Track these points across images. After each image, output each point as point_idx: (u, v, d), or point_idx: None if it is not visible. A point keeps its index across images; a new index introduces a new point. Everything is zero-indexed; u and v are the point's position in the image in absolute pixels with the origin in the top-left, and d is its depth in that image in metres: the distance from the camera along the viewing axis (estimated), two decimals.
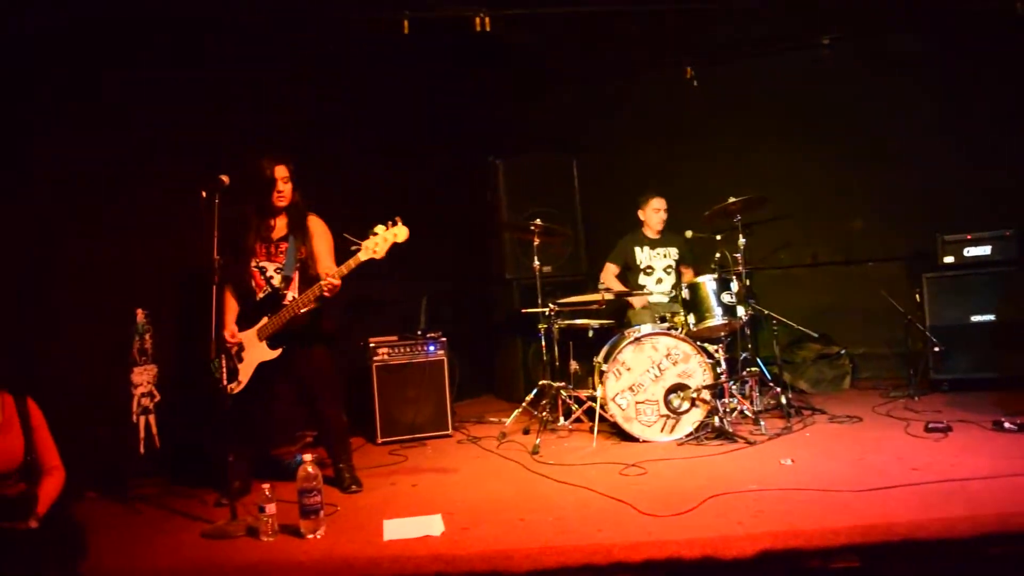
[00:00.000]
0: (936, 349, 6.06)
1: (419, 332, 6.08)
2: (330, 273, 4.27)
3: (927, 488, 3.75)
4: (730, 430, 5.05)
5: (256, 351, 4.51)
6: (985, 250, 6.19)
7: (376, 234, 4.16)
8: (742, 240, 5.71)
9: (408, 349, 5.95)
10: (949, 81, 6.74)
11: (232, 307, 4.67)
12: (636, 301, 6.20)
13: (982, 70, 6.58)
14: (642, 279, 6.37)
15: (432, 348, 5.96)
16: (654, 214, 6.37)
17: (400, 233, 4.20)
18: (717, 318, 5.39)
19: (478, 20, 6.70)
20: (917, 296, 6.30)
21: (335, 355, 4.84)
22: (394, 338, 5.97)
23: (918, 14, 6.76)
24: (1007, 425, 4.73)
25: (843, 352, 6.78)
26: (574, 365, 5.94)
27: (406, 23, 6.44)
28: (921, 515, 3.38)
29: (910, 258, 6.81)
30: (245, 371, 4.53)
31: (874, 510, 3.50)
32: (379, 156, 6.79)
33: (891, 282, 6.76)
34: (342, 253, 4.39)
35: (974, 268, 6.18)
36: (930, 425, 4.90)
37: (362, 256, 4.19)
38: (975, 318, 6.09)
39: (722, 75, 7.39)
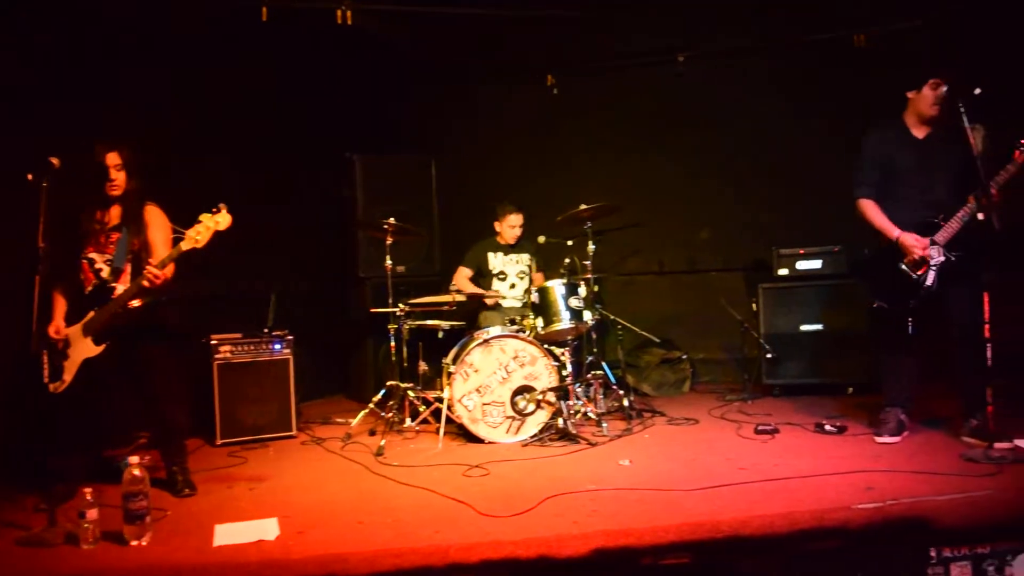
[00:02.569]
0: (769, 355, 6.40)
1: (266, 330, 5.91)
2: (152, 263, 4.09)
3: (752, 487, 3.93)
4: (573, 431, 5.15)
5: (81, 347, 4.27)
6: (816, 264, 6.56)
7: (199, 222, 4.02)
8: (591, 246, 5.85)
9: (252, 347, 5.77)
10: (793, 103, 7.12)
11: (61, 301, 4.41)
12: (489, 300, 6.24)
13: (823, 94, 6.99)
14: (496, 284, 6.41)
15: (278, 346, 5.81)
16: (509, 229, 6.41)
17: (222, 220, 4.06)
18: (564, 322, 5.49)
19: (339, 12, 6.61)
20: (753, 305, 6.62)
21: (180, 353, 4.64)
22: (238, 335, 5.77)
23: (768, 38, 7.14)
24: (827, 427, 5.04)
25: (684, 357, 7.04)
26: (423, 366, 5.92)
27: (264, 10, 6.29)
28: (745, 513, 3.53)
29: (748, 269, 7.17)
30: (70, 368, 4.27)
31: (702, 508, 3.63)
32: (233, 147, 6.55)
33: (730, 291, 7.14)
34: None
35: (805, 280, 6.55)
36: (759, 427, 5.16)
37: (184, 246, 4.03)
38: (804, 327, 6.45)
39: (581, 85, 7.56)
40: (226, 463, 5.12)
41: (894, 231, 4.64)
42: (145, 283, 4.08)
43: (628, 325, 6.53)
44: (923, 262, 4.54)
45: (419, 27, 7.02)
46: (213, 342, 5.66)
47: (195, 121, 6.24)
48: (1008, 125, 4.61)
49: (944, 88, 4.57)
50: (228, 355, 5.67)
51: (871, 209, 4.78)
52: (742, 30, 7.19)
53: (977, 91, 4.26)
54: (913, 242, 4.57)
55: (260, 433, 5.67)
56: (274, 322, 6.20)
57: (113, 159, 4.31)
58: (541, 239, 6.28)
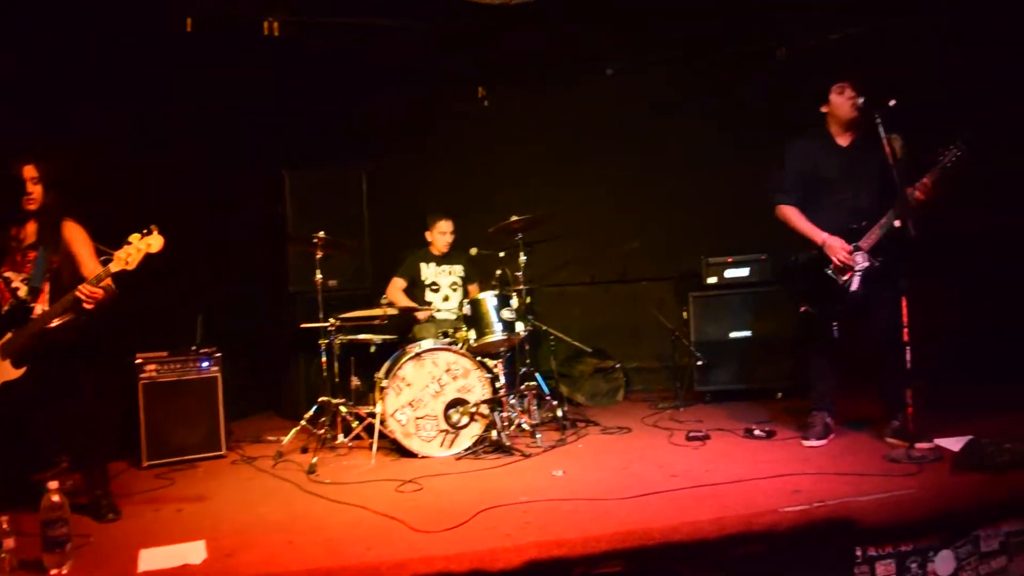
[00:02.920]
0: (699, 363, 6.50)
1: (193, 348, 5.78)
2: (89, 280, 3.97)
3: (682, 493, 3.98)
4: (507, 443, 5.15)
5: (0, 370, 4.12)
6: (744, 272, 6.68)
7: (130, 243, 3.92)
8: (523, 258, 5.87)
9: (179, 366, 5.63)
10: (719, 114, 7.25)
11: None
12: (420, 315, 6.21)
13: (748, 105, 7.14)
14: (428, 295, 6.39)
15: (206, 364, 5.68)
16: (440, 236, 6.40)
17: (154, 243, 3.96)
18: (497, 334, 5.49)
19: (266, 24, 6.54)
20: (684, 313, 6.72)
21: (103, 373, 4.50)
22: (164, 354, 5.63)
23: (695, 51, 7.28)
24: (756, 432, 5.13)
25: (617, 366, 7.09)
26: (355, 381, 5.86)
27: (189, 21, 6.18)
28: (675, 519, 3.56)
29: (679, 278, 7.27)
30: None
31: (634, 516, 3.66)
32: (159, 162, 6.40)
33: (662, 300, 7.23)
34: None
35: (734, 288, 6.67)
36: (691, 434, 5.22)
37: (113, 267, 3.91)
38: (734, 334, 6.56)
39: (512, 97, 7.59)
40: (152, 485, 4.98)
41: (819, 235, 4.75)
42: (87, 304, 3.96)
43: (561, 336, 6.57)
44: (848, 267, 4.66)
45: (349, 39, 6.98)
46: (138, 361, 5.51)
47: (120, 136, 6.09)
48: (925, 135, 4.78)
49: (852, 91, 4.70)
50: (154, 374, 5.53)
51: (795, 215, 4.89)
52: (670, 42, 7.30)
53: (892, 102, 4.40)
54: (838, 246, 4.68)
55: (188, 454, 5.53)
56: (202, 339, 6.06)
57: (29, 172, 4.18)
58: (473, 251, 6.28)
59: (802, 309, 4.92)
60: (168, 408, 5.53)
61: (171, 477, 5.17)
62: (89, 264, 4.21)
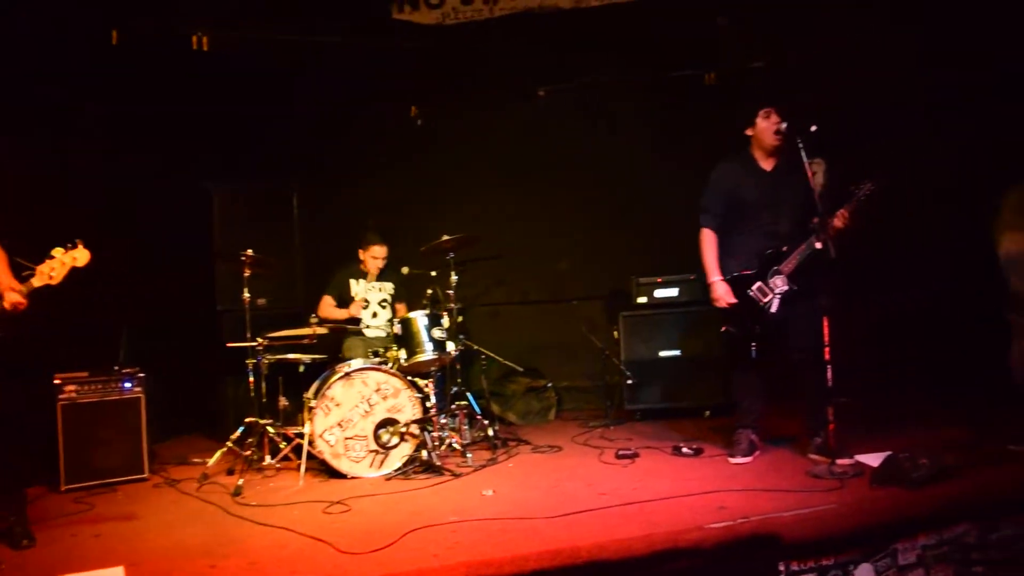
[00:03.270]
0: (629, 382, 6.57)
1: (116, 367, 5.62)
2: (15, 288, 3.83)
3: (611, 511, 4.01)
4: (438, 463, 5.12)
5: None
6: (673, 292, 6.79)
7: (53, 257, 3.81)
8: (454, 277, 5.87)
9: (101, 386, 5.46)
10: (650, 137, 7.37)
11: None
12: (354, 308, 6.14)
13: (677, 129, 7.28)
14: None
15: (128, 384, 5.52)
16: (372, 260, 6.33)
17: (80, 257, 3.87)
18: (428, 353, 5.47)
19: (195, 39, 6.45)
20: (615, 333, 6.78)
21: (18, 394, 4.34)
22: (84, 374, 5.46)
23: (626, 74, 7.40)
24: (684, 450, 5.20)
25: (549, 385, 7.12)
26: (283, 401, 5.76)
27: (115, 33, 6.07)
28: (604, 537, 3.59)
29: (609, 298, 7.35)
30: None
31: (563, 535, 3.67)
32: (84, 177, 6.25)
33: (593, 320, 7.29)
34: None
35: (664, 308, 6.76)
36: (620, 452, 5.27)
37: (35, 282, 3.81)
38: (663, 353, 6.65)
39: (446, 117, 7.58)
40: (71, 510, 4.81)
41: (712, 275, 4.96)
42: (8, 308, 3.82)
43: (492, 355, 6.57)
44: (768, 290, 4.78)
45: (280, 55, 6.92)
46: (57, 381, 5.33)
47: (40, 146, 5.92)
48: (846, 160, 4.95)
49: (777, 116, 4.83)
50: (73, 395, 5.35)
51: (706, 242, 5.04)
52: (602, 66, 7.42)
53: (813, 128, 4.54)
54: (720, 294, 4.91)
55: (109, 477, 5.36)
56: (125, 359, 5.91)
57: None
58: (405, 270, 6.25)
59: (723, 329, 5.04)
60: (88, 430, 5.35)
61: (90, 501, 5.00)
62: (2, 278, 4.07)
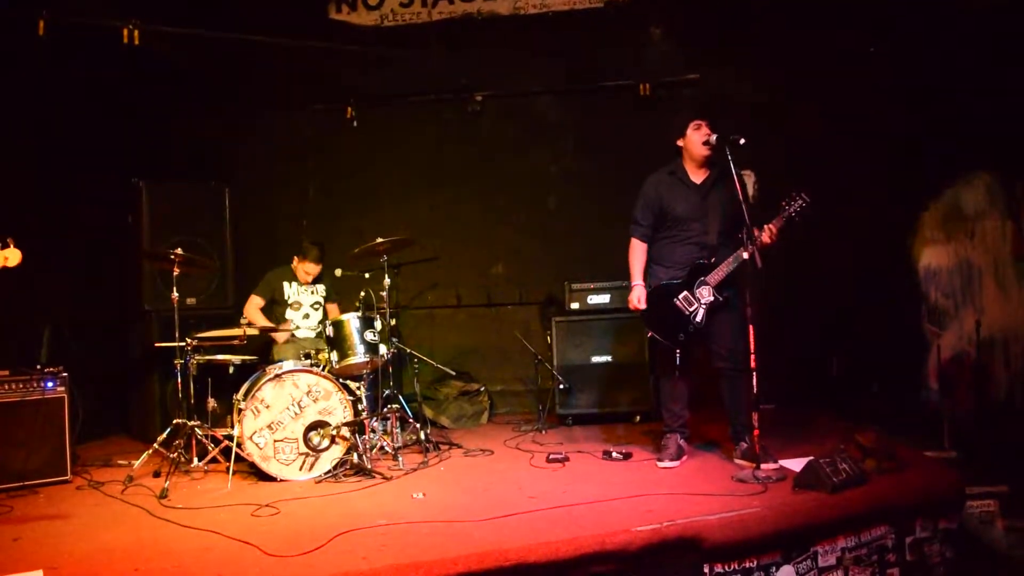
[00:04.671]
0: (561, 387, 6.62)
1: (38, 366, 5.47)
2: None
3: (539, 514, 4.04)
4: (369, 466, 5.09)
5: None
6: (605, 298, 6.86)
7: None
8: (388, 280, 5.85)
9: (21, 386, 5.29)
10: (585, 144, 7.51)
11: None
12: (279, 336, 6.08)
13: (612, 137, 7.38)
14: (289, 313, 6.25)
15: (50, 384, 5.36)
16: (304, 274, 6.26)
17: (12, 256, 3.78)
18: (359, 356, 5.45)
19: (126, 32, 6.31)
20: (548, 338, 6.83)
21: None
22: (4, 373, 5.29)
23: (563, 82, 7.49)
24: (614, 454, 5.27)
25: (482, 389, 7.14)
26: (212, 403, 5.66)
27: (42, 23, 5.90)
28: (532, 540, 3.62)
29: (543, 303, 7.42)
30: None
31: (491, 538, 3.69)
32: (4, 169, 6.06)
33: (526, 324, 7.37)
34: None
35: (596, 314, 6.83)
36: (550, 456, 5.31)
37: None
38: (595, 359, 6.72)
39: (381, 118, 7.58)
40: None
41: (634, 279, 5.11)
42: None
43: (425, 358, 6.57)
44: (694, 299, 4.88)
45: (214, 52, 6.82)
46: None
47: None
48: (776, 173, 5.07)
49: (707, 128, 4.93)
50: None
51: (634, 251, 5.16)
52: (538, 73, 7.49)
53: (742, 141, 4.65)
54: (634, 297, 5.07)
55: (29, 479, 5.20)
56: (47, 358, 5.75)
57: None
58: (338, 272, 6.21)
59: (650, 335, 5.13)
60: (8, 431, 5.18)
61: (8, 504, 4.85)
62: None
